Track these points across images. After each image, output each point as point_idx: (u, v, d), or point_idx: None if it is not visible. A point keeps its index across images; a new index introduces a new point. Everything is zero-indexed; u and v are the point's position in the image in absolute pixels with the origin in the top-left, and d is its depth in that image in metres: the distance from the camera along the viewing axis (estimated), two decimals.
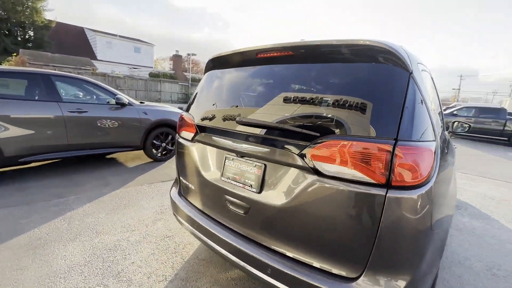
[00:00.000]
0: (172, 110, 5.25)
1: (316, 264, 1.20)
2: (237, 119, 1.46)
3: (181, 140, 1.93)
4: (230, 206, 1.51)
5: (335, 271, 1.16)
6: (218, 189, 1.57)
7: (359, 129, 1.10)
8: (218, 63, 1.83)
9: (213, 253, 2.18)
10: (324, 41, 1.28)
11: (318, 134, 1.16)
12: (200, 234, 1.66)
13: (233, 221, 1.53)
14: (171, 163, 4.91)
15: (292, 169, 1.26)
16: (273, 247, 1.34)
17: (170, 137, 5.03)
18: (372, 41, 1.14)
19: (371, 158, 1.03)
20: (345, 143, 1.08)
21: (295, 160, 1.22)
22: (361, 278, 1.10)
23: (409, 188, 1.01)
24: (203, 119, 1.73)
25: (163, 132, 4.92)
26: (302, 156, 1.19)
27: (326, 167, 1.13)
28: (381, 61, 1.14)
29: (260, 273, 1.32)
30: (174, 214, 1.99)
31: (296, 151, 1.21)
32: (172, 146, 5.08)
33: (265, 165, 1.37)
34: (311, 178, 1.17)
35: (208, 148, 1.69)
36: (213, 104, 1.75)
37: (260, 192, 1.37)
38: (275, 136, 1.32)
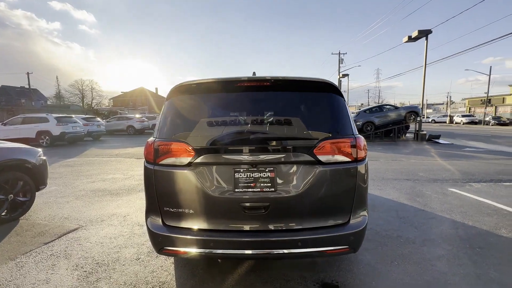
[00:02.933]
0: (20, 146, 3.74)
1: (325, 223, 1.81)
2: (252, 136, 1.77)
3: (165, 169, 1.83)
4: (247, 211, 1.77)
5: (338, 222, 1.82)
6: (231, 201, 1.77)
7: (335, 132, 1.84)
8: (199, 88, 1.95)
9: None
10: (298, 77, 1.93)
11: (317, 138, 1.78)
12: (218, 250, 1.75)
13: (253, 222, 1.79)
14: (29, 219, 3.50)
15: (298, 164, 1.79)
16: (294, 226, 1.79)
17: (20, 185, 3.57)
18: (325, 79, 1.93)
19: (347, 147, 1.80)
20: (333, 141, 1.79)
21: (303, 157, 1.77)
22: (350, 220, 1.84)
23: (362, 160, 1.87)
24: (204, 143, 1.80)
25: (8, 179, 3.42)
26: (309, 153, 1.76)
27: (324, 158, 1.78)
28: (332, 91, 1.95)
29: (292, 250, 1.73)
30: (165, 249, 1.82)
31: (305, 151, 1.77)
32: (24, 196, 3.62)
33: (275, 167, 1.79)
34: (315, 167, 1.77)
35: (213, 167, 1.80)
36: (208, 126, 1.86)
37: (275, 190, 1.78)
38: (284, 144, 1.79)
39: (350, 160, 1.82)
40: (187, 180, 1.79)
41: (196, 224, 1.82)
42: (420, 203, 4.03)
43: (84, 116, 16.76)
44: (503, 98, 37.31)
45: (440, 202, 4.05)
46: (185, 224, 1.84)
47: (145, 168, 1.92)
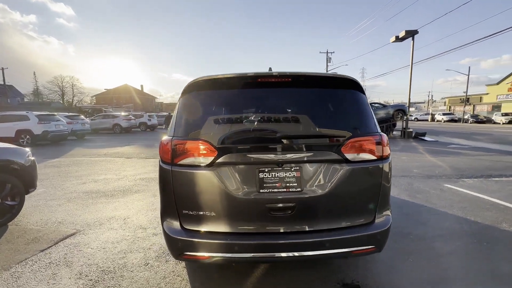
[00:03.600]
0: (7, 146, 3.46)
1: (352, 223, 1.77)
2: (278, 134, 1.69)
3: (184, 169, 1.71)
4: (273, 213, 1.69)
5: (363, 222, 1.79)
6: (256, 202, 1.68)
7: (360, 130, 1.79)
8: (217, 84, 1.84)
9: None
10: (321, 73, 1.87)
11: (344, 136, 1.73)
12: (244, 254, 1.66)
13: (279, 224, 1.71)
14: (19, 224, 3.25)
15: (325, 163, 1.73)
16: (321, 227, 1.74)
17: (8, 188, 3.31)
18: (348, 76, 1.88)
19: (373, 145, 1.76)
20: (360, 139, 1.74)
21: (331, 156, 1.71)
22: (375, 219, 1.81)
23: (387, 158, 1.84)
24: (227, 141, 1.70)
25: None
26: (337, 151, 1.71)
27: (351, 156, 1.73)
28: (355, 88, 1.90)
29: (320, 251, 1.68)
30: (185, 254, 1.72)
31: (332, 149, 1.71)
32: (13, 200, 3.36)
33: (301, 167, 1.73)
34: (342, 165, 1.72)
35: (236, 167, 1.71)
36: (229, 123, 1.76)
37: (302, 190, 1.71)
38: (311, 143, 1.73)
39: (376, 158, 1.78)
40: (208, 181, 1.69)
41: (219, 227, 1.72)
42: (421, 199, 4.11)
43: (67, 114, 15.98)
44: (480, 97, 39.20)
45: (439, 198, 4.14)
46: (206, 227, 1.73)
47: (161, 169, 1.80)
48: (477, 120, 33.63)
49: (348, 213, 1.77)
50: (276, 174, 1.72)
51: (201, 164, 1.70)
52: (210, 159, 1.69)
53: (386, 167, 1.81)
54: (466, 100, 37.18)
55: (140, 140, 14.85)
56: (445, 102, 52.96)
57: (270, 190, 1.70)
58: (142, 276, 2.19)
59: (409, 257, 2.42)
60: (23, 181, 3.49)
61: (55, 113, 13.78)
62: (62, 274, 2.23)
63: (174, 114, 1.93)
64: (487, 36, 14.66)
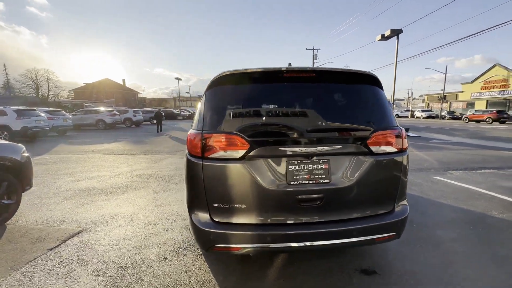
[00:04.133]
0: (2, 142, 3.27)
1: (375, 212, 1.87)
2: (307, 128, 1.73)
3: (216, 163, 1.72)
4: (302, 204, 1.75)
5: (385, 211, 1.89)
6: (287, 193, 1.73)
7: (382, 123, 1.88)
8: (244, 78, 1.85)
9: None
10: (343, 69, 1.93)
11: (370, 129, 1.81)
12: (275, 244, 1.71)
13: (308, 214, 1.78)
14: (18, 224, 3.11)
15: (352, 155, 1.81)
16: (348, 216, 1.82)
17: (4, 186, 3.14)
18: (369, 72, 1.96)
19: (395, 138, 1.86)
20: (384, 132, 1.83)
21: (357, 148, 1.79)
22: (395, 208, 1.92)
23: (406, 150, 1.95)
24: (258, 134, 1.72)
25: None
26: (363, 144, 1.79)
27: (376, 149, 1.82)
28: (375, 84, 1.99)
29: (347, 239, 1.76)
30: (216, 247, 1.74)
31: (359, 142, 1.79)
32: (9, 198, 3.20)
33: (328, 159, 1.79)
34: (367, 158, 1.81)
35: (267, 160, 1.74)
36: (257, 117, 1.78)
37: (330, 181, 1.78)
38: (339, 136, 1.79)
39: (396, 150, 1.88)
40: (240, 174, 1.72)
41: (250, 219, 1.76)
42: (416, 191, 4.34)
43: (47, 109, 15.14)
44: (456, 94, 41.37)
45: (433, 190, 4.40)
46: (236, 219, 1.76)
47: (190, 163, 1.80)
48: (453, 116, 35.51)
49: (372, 202, 1.87)
50: (305, 167, 1.77)
51: (233, 158, 1.72)
52: (241, 152, 1.71)
53: (405, 159, 1.92)
54: (443, 98, 39.11)
55: (127, 136, 14.41)
56: (423, 99, 55.40)
57: (299, 182, 1.75)
58: (163, 271, 2.18)
59: (416, 244, 2.58)
60: (19, 179, 3.32)
61: (35, 108, 13.03)
62: (79, 272, 2.18)
63: (199, 108, 1.92)
64: (461, 39, 15.52)
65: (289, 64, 2.33)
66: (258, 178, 1.72)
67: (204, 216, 1.78)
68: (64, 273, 2.16)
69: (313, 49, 37.49)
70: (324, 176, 1.77)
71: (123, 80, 58.58)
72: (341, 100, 1.94)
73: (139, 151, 9.07)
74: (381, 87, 2.01)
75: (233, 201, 1.74)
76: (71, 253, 2.46)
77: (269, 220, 1.76)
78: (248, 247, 1.72)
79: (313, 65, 36.98)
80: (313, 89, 1.93)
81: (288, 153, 1.74)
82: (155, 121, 19.42)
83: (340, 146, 1.78)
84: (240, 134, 1.71)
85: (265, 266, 2.25)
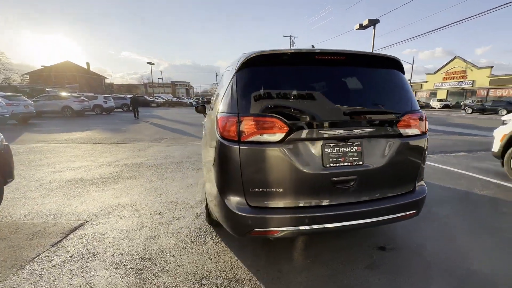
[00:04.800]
0: None
1: (400, 192, 1.97)
2: (344, 111, 1.74)
3: (254, 147, 1.67)
4: (337, 186, 1.79)
5: (408, 190, 2.00)
6: (323, 176, 1.75)
7: (407, 107, 1.95)
8: (276, 59, 1.78)
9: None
10: (372, 53, 1.95)
11: (399, 113, 1.87)
12: (313, 226, 1.74)
13: (342, 196, 1.82)
14: (3, 220, 2.80)
15: (383, 138, 1.87)
16: (377, 196, 1.90)
17: None
18: (395, 56, 2.00)
19: (419, 121, 1.95)
20: (411, 115, 1.91)
21: (389, 131, 1.85)
22: (416, 187, 2.04)
23: (426, 133, 2.05)
24: (295, 117, 1.69)
25: None
26: (394, 127, 1.85)
27: (404, 131, 1.89)
28: (399, 69, 2.04)
29: (377, 218, 1.84)
30: (254, 231, 1.72)
31: (390, 124, 1.85)
32: None
33: (361, 141, 1.83)
34: (396, 140, 1.88)
35: (304, 143, 1.73)
36: (292, 99, 1.74)
37: (362, 163, 1.83)
38: (373, 119, 1.83)
39: (420, 133, 1.98)
40: (279, 158, 1.69)
41: (286, 203, 1.76)
42: None
43: (4, 94, 13.48)
44: (421, 84, 44.35)
45: None
46: (273, 203, 1.75)
47: (223, 147, 1.73)
48: (419, 105, 38.18)
49: (398, 183, 1.96)
50: (340, 149, 1.79)
51: (271, 141, 1.68)
52: (280, 136, 1.68)
53: (426, 141, 2.03)
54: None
55: (101, 124, 13.45)
56: None
57: (335, 164, 1.78)
58: (187, 259, 2.13)
59: (419, 221, 2.79)
60: (0, 171, 2.97)
61: None
62: (94, 266, 2.04)
63: (229, 90, 1.84)
64: (425, 33, 16.50)
65: (312, 46, 2.28)
66: (296, 162, 1.71)
67: (240, 201, 1.75)
68: (78, 268, 2.01)
69: (291, 36, 37.42)
70: (357, 158, 1.82)
71: (87, 64, 53.83)
72: (370, 84, 1.97)
73: (119, 139, 8.54)
74: (404, 72, 2.07)
75: (270, 185, 1.72)
76: (79, 248, 2.29)
77: (305, 203, 1.78)
78: (286, 230, 1.73)
79: None
80: (344, 72, 1.93)
81: (325, 136, 1.74)
82: (131, 108, 18.44)
83: (373, 129, 1.83)
84: (279, 117, 1.67)
85: (289, 248, 2.29)
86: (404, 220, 2.02)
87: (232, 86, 1.82)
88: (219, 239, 2.43)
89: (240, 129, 1.67)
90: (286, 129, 1.67)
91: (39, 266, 2.04)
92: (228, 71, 2.22)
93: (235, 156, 1.69)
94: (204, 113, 5.00)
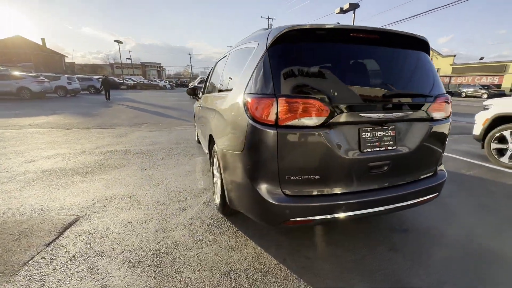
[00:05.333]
0: None
1: (426, 175, 1.99)
2: (384, 93, 1.66)
3: (293, 131, 1.53)
4: (372, 171, 1.74)
5: (431, 173, 2.03)
6: (360, 161, 1.69)
7: (435, 90, 1.92)
8: (310, 35, 1.61)
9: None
10: (405, 32, 1.86)
11: (432, 96, 1.83)
12: (349, 213, 1.69)
13: (376, 181, 1.78)
14: None
15: (415, 122, 1.83)
16: (408, 180, 1.89)
17: None
18: (424, 37, 1.94)
19: (446, 104, 1.94)
20: (441, 99, 1.89)
21: (422, 114, 1.81)
22: (437, 171, 2.07)
23: (450, 116, 2.06)
24: (336, 99, 1.56)
25: None
26: (426, 110, 1.82)
27: (434, 115, 1.87)
28: (427, 51, 1.99)
29: (406, 202, 1.85)
30: (290, 221, 1.63)
31: (423, 108, 1.81)
32: None
33: (395, 125, 1.78)
34: (427, 124, 1.86)
35: (343, 127, 1.63)
36: (329, 80, 1.60)
37: (396, 147, 1.79)
38: (409, 102, 1.77)
39: (446, 116, 1.98)
40: (318, 144, 1.58)
41: (323, 190, 1.67)
42: None
43: None
44: None
45: None
46: (309, 191, 1.66)
47: (257, 132, 1.57)
48: None
49: (424, 166, 1.97)
50: (376, 134, 1.73)
51: (311, 125, 1.56)
52: (321, 119, 1.56)
53: (450, 125, 2.04)
54: None
55: (68, 107, 12.23)
56: None
57: (371, 149, 1.71)
58: (207, 252, 1.99)
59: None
60: None
61: None
62: (104, 266, 1.83)
63: (260, 68, 1.65)
64: (392, 22, 17.14)
65: (338, 23, 2.14)
66: (334, 147, 1.61)
67: (275, 190, 1.63)
68: (86, 270, 1.78)
69: (268, 18, 36.48)
70: (391, 142, 1.77)
71: (43, 40, 47.89)
72: (405, 65, 1.89)
73: (93, 124, 7.83)
74: (429, 54, 2.03)
75: (307, 172, 1.62)
76: (80, 246, 2.04)
77: (342, 190, 1.71)
78: (321, 218, 1.66)
79: None
80: (380, 52, 1.83)
81: (364, 119, 1.66)
82: (101, 89, 17.17)
83: (408, 112, 1.78)
84: (320, 98, 1.54)
85: (309, 235, 2.25)
86: (427, 203, 2.06)
87: (263, 63, 1.63)
88: (236, 229, 2.31)
89: (278, 112, 1.52)
90: (327, 112, 1.55)
91: (37, 270, 1.78)
92: (248, 47, 2.01)
93: (272, 141, 1.54)
94: (195, 96, 4.70)
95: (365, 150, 1.70)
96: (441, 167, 2.15)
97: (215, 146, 2.48)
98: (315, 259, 1.94)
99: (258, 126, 1.57)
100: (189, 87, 4.30)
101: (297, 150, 1.57)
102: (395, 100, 1.73)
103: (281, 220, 1.64)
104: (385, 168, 1.77)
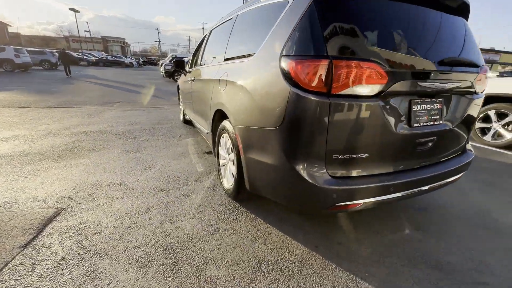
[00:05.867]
0: None
1: (460, 152, 1.90)
2: (442, 60, 1.45)
3: (348, 101, 1.28)
4: (418, 147, 1.58)
5: (463, 150, 1.94)
6: (409, 137, 1.50)
7: (480, 62, 1.77)
8: None
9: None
10: None
11: (478, 66, 1.68)
12: (397, 194, 1.53)
13: (422, 159, 1.63)
14: None
15: (461, 95, 1.68)
16: (447, 158, 1.78)
17: None
18: None
19: (485, 77, 1.82)
20: (483, 71, 1.75)
21: (467, 86, 1.66)
22: (466, 148, 2.00)
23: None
24: (395, 65, 1.32)
25: None
26: (472, 82, 1.67)
27: (477, 87, 1.74)
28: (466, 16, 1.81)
29: (445, 180, 1.74)
30: (337, 206, 1.42)
31: (472, 79, 1.66)
32: None
33: (443, 98, 1.62)
34: (469, 97, 1.73)
35: (396, 99, 1.41)
36: (390, 41, 1.35)
37: (441, 122, 1.64)
38: (462, 72, 1.59)
39: (483, 90, 1.86)
40: (371, 117, 1.35)
41: (371, 170, 1.48)
42: None
43: None
44: None
45: None
46: (357, 171, 1.45)
47: (303, 103, 1.29)
48: None
49: (459, 143, 1.87)
50: (425, 107, 1.55)
51: (368, 95, 1.31)
52: (379, 87, 1.32)
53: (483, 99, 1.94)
54: None
55: (19, 84, 10.61)
56: None
57: (420, 124, 1.54)
58: (228, 243, 1.74)
59: None
60: None
61: None
62: (106, 268, 1.49)
63: (304, 23, 1.34)
64: None
65: None
66: (387, 121, 1.40)
67: (320, 171, 1.39)
68: (83, 275, 1.43)
69: None
70: (438, 117, 1.61)
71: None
72: (458, 32, 1.68)
73: (54, 102, 6.84)
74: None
75: (356, 150, 1.40)
76: (69, 246, 1.66)
77: (389, 169, 1.53)
78: (369, 201, 1.48)
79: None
80: (430, 15, 1.59)
81: (418, 90, 1.45)
82: (58, 63, 15.51)
83: (459, 83, 1.62)
84: (380, 62, 1.29)
85: (333, 218, 2.09)
86: (455, 181, 1.99)
87: (309, 18, 1.32)
88: (253, 216, 2.08)
89: (333, 78, 1.24)
90: (385, 79, 1.32)
91: (16, 280, 1.39)
92: (275, 2, 1.67)
93: (322, 113, 1.28)
94: (183, 70, 4.19)
95: (415, 125, 1.52)
96: (469, 145, 2.08)
97: (224, 123, 2.15)
98: (347, 244, 1.79)
99: (305, 95, 1.29)
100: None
101: (349, 124, 1.33)
102: (448, 70, 1.54)
103: (327, 205, 1.42)
104: (429, 145, 1.62)
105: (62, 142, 3.68)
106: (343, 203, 1.43)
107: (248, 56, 1.82)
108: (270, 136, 1.50)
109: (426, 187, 1.65)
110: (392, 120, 1.42)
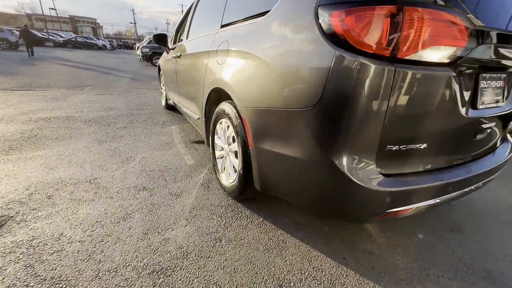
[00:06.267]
0: None
1: (505, 140, 1.62)
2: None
3: (418, 70, 0.90)
4: (477, 135, 1.26)
5: (506, 138, 1.67)
6: (471, 122, 1.18)
7: None
8: None
9: None
10: None
11: None
12: (454, 193, 1.21)
13: (476, 149, 1.32)
14: None
15: None
16: (500, 147, 1.49)
17: None
18: None
19: None
20: None
21: None
22: (507, 135, 1.73)
23: None
24: (472, 22, 0.95)
25: None
26: None
27: None
28: None
29: (494, 175, 1.45)
30: (387, 213, 1.07)
31: None
32: None
33: (507, 75, 1.30)
34: None
35: (466, 71, 1.06)
36: None
37: (504, 103, 1.33)
38: None
39: None
40: (442, 92, 0.99)
41: (425, 164, 1.14)
42: None
43: None
44: None
45: None
46: (411, 167, 1.11)
47: (359, 69, 0.90)
48: None
49: (508, 129, 1.58)
50: (490, 83, 1.22)
51: (443, 62, 0.95)
52: (460, 52, 0.95)
53: None
54: None
55: None
56: None
57: (485, 105, 1.21)
58: (235, 258, 1.35)
59: None
60: None
61: None
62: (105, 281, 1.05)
63: None
64: None
65: None
66: (457, 100, 1.05)
67: (369, 168, 1.02)
68: None
69: None
70: (500, 97, 1.29)
71: None
72: None
73: (12, 84, 5.92)
74: None
75: (416, 138, 1.05)
76: (13, 273, 1.18)
77: (449, 163, 1.21)
78: (423, 205, 1.15)
79: None
80: None
81: (493, 59, 1.11)
82: (19, 41, 14.42)
83: None
84: (463, 16, 0.92)
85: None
86: None
87: None
88: (260, 219, 1.70)
89: (402, 35, 0.86)
90: (466, 40, 0.95)
91: None
92: None
93: (383, 86, 0.89)
94: (165, 47, 3.64)
95: (480, 107, 1.19)
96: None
97: (223, 106, 1.72)
98: (380, 254, 1.48)
99: (359, 59, 0.89)
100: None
101: (414, 102, 0.96)
102: None
103: (377, 212, 1.07)
104: (488, 132, 1.31)
105: (16, 129, 3.04)
106: (396, 209, 1.08)
107: (259, 15, 1.38)
108: (298, 119, 1.10)
109: (480, 184, 1.36)
110: (459, 100, 1.07)
